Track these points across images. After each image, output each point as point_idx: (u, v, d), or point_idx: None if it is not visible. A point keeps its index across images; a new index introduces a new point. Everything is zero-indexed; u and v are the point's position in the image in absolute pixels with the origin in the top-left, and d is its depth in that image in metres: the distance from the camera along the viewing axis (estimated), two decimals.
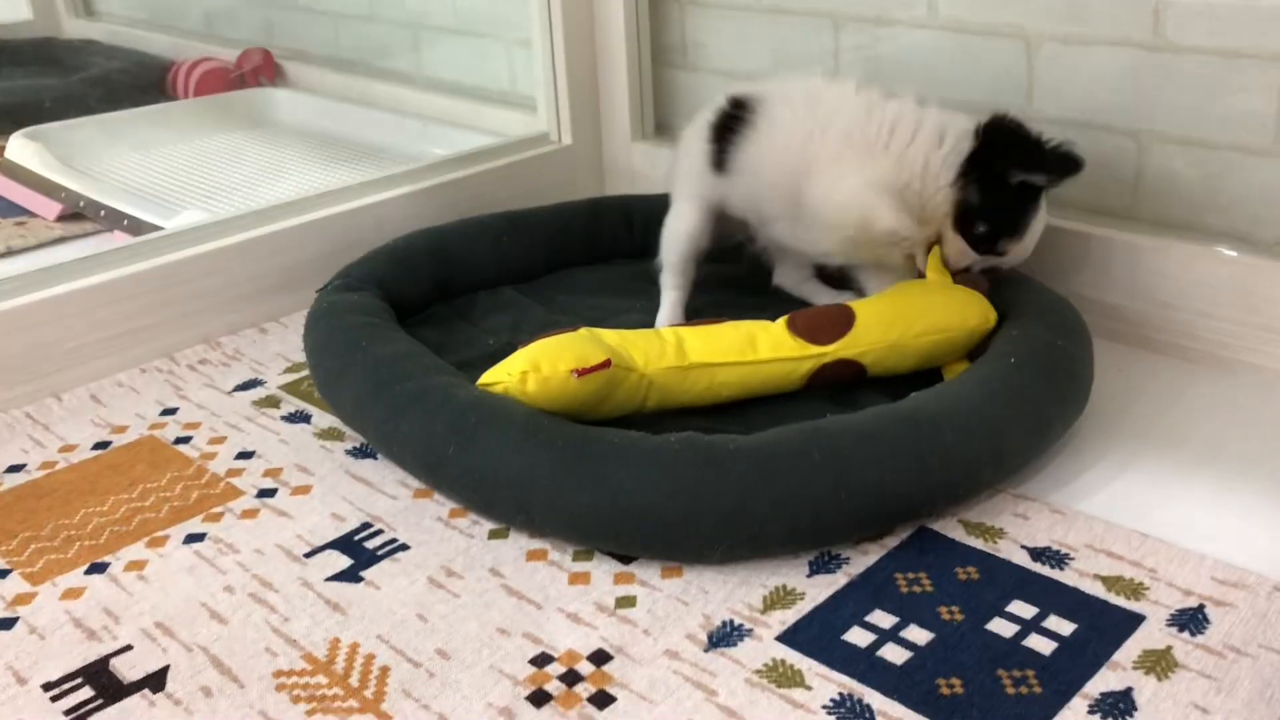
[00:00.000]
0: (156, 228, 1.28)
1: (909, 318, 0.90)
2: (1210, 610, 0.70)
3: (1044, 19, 1.05)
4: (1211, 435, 0.89)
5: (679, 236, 1.04)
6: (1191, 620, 0.69)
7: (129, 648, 0.71)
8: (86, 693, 0.68)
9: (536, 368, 0.81)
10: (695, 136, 1.05)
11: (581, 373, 0.81)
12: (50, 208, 1.47)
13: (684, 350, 0.88)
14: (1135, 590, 0.72)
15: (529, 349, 0.84)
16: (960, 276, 0.95)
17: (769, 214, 1.01)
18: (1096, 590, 0.72)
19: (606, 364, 0.82)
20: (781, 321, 0.91)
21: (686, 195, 1.05)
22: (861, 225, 0.92)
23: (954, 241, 0.94)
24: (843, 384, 0.92)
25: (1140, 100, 1.02)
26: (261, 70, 1.91)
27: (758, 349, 0.89)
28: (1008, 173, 0.92)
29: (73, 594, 0.77)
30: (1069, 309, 0.94)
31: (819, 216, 0.95)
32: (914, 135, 0.94)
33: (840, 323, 0.90)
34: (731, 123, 1.00)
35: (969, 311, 0.91)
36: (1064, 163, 0.91)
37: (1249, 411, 0.93)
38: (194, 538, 0.82)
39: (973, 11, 1.10)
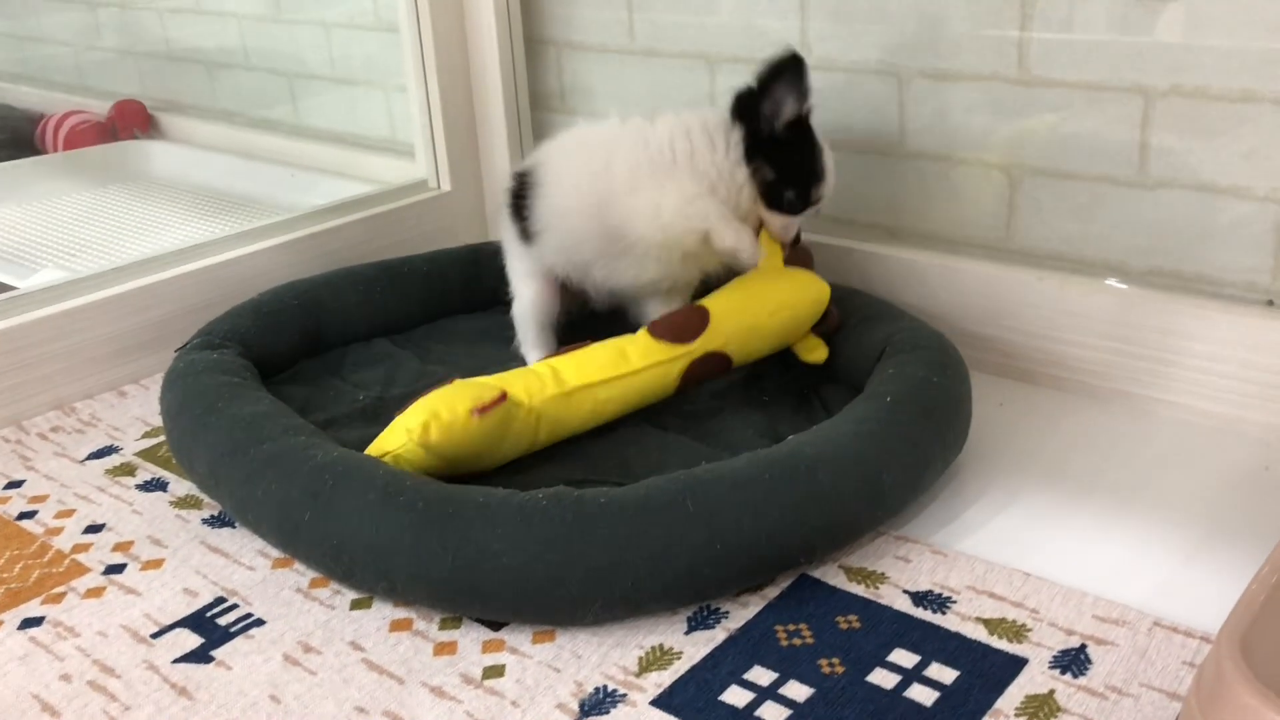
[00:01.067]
0: (10, 288, 1.22)
1: (759, 300, 0.95)
2: (1092, 649, 0.68)
3: (912, 56, 1.06)
4: (1089, 467, 0.89)
5: (526, 315, 1.05)
6: (1073, 661, 0.67)
7: None
8: None
9: (436, 415, 0.80)
10: (503, 222, 1.07)
11: (482, 410, 0.81)
12: None
13: (561, 377, 0.89)
14: (1017, 632, 0.70)
15: (421, 403, 0.82)
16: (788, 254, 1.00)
17: (586, 260, 1.01)
18: (979, 634, 0.70)
19: (503, 397, 0.83)
20: (643, 331, 0.93)
21: (519, 275, 1.06)
22: (698, 235, 0.94)
23: (774, 219, 0.97)
24: (712, 378, 0.96)
25: (1009, 134, 1.02)
26: (134, 122, 1.85)
27: (630, 360, 0.91)
28: (774, 122, 0.94)
29: None
30: (944, 344, 0.93)
31: (648, 242, 0.95)
32: (691, 145, 0.96)
33: (697, 319, 0.93)
34: (522, 194, 1.02)
35: (807, 286, 0.97)
36: (782, 64, 0.93)
37: (1125, 441, 0.93)
38: (30, 622, 0.76)
39: (843, 50, 1.10)
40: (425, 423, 0.80)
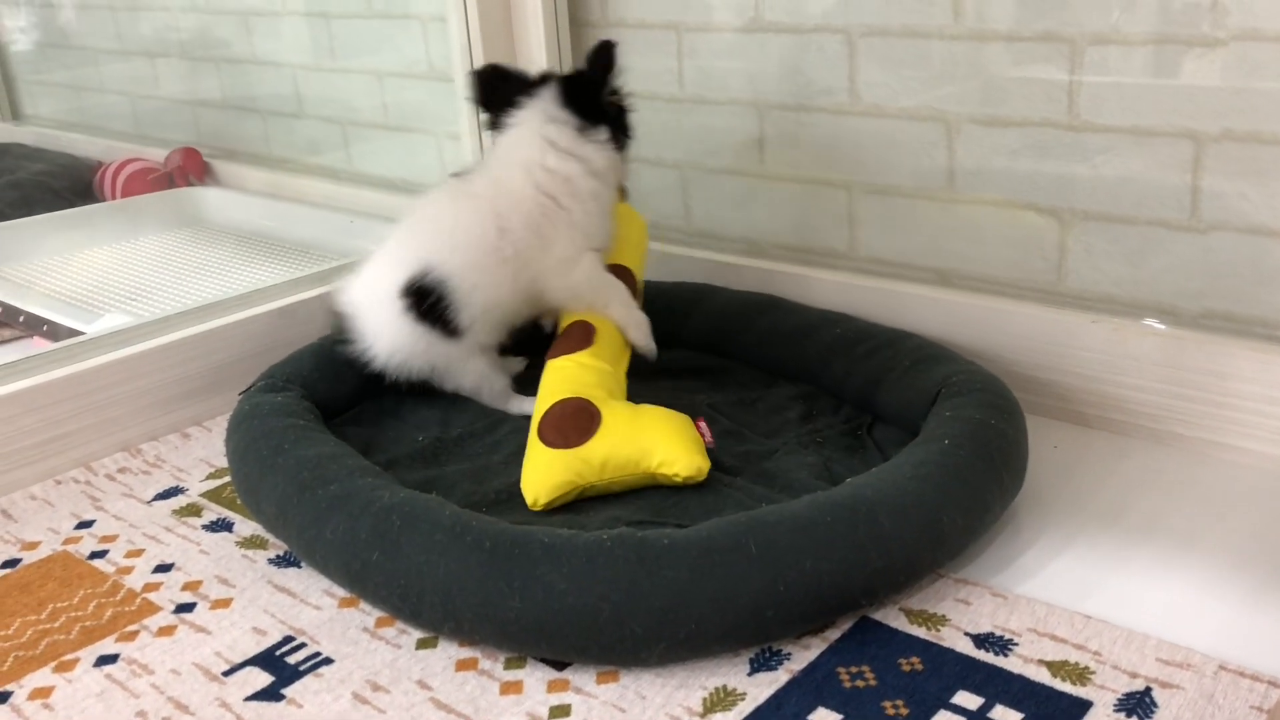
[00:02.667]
0: (77, 333, 1.25)
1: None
2: (1157, 693, 0.68)
3: (962, 102, 1.07)
4: (1147, 510, 0.89)
5: (487, 387, 1.07)
6: (1139, 705, 0.67)
7: None
8: None
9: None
10: (401, 332, 1.03)
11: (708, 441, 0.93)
12: None
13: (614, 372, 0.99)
14: (1081, 675, 0.70)
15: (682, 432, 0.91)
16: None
17: (509, 320, 1.06)
18: (1042, 676, 0.70)
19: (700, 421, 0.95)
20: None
21: (453, 367, 1.05)
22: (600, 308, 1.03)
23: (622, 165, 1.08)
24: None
25: (1058, 178, 1.03)
26: (190, 169, 1.89)
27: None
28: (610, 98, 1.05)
29: None
30: (1000, 387, 0.93)
31: (562, 297, 1.04)
32: (565, 172, 1.02)
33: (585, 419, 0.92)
34: (429, 299, 1.00)
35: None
36: (605, 52, 1.03)
37: (1182, 484, 0.93)
38: (106, 659, 0.78)
39: (892, 96, 1.12)
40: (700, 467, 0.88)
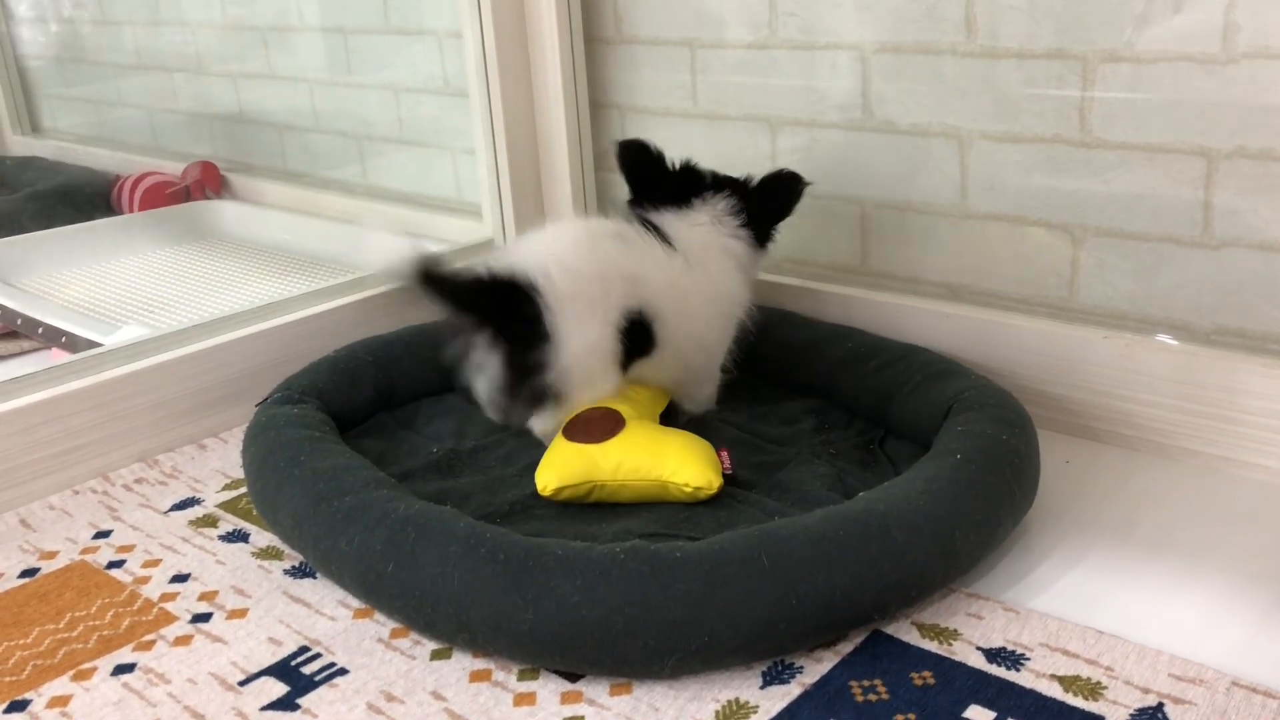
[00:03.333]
0: (95, 344, 1.26)
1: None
2: (1170, 709, 0.68)
3: (974, 118, 1.08)
4: (1159, 525, 0.89)
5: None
6: None
7: None
8: None
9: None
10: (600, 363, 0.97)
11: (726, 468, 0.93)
12: None
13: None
14: (1093, 690, 0.70)
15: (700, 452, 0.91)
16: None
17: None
18: (1054, 691, 0.70)
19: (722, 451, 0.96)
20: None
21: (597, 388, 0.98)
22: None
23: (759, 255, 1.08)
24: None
25: (1071, 194, 1.04)
26: (207, 183, 1.91)
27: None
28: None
29: None
30: (1012, 402, 0.94)
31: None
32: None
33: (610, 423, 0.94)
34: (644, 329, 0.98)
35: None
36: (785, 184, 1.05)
37: (1194, 500, 0.93)
38: (123, 668, 0.79)
39: (904, 113, 1.12)
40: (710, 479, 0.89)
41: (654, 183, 1.05)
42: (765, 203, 1.05)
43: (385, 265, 0.92)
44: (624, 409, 0.96)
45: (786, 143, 1.23)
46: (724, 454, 0.95)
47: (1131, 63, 0.97)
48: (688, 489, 0.89)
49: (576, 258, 0.95)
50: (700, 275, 1.00)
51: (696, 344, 1.02)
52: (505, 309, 0.92)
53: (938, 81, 1.09)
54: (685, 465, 0.90)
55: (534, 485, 0.93)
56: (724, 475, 0.92)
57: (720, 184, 1.05)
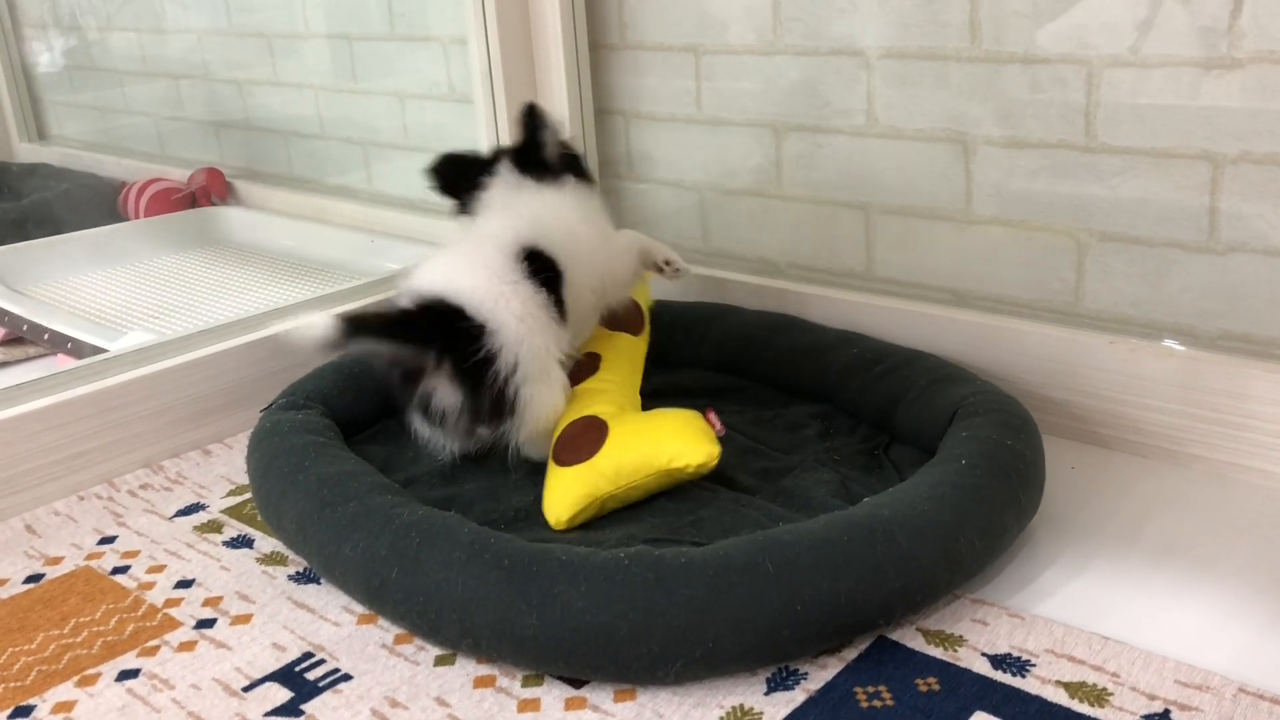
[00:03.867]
0: (101, 350, 1.26)
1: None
2: (1176, 715, 0.68)
3: (979, 123, 1.08)
4: (1165, 531, 0.89)
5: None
6: None
7: None
8: None
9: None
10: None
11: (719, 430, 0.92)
12: None
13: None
14: (1099, 696, 0.70)
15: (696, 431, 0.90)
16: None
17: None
18: (1059, 698, 0.70)
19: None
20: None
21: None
22: None
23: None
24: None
25: (1076, 199, 1.04)
26: (212, 189, 1.91)
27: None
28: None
29: None
30: (1017, 407, 0.94)
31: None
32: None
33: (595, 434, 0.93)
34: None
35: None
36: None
37: (1200, 505, 0.92)
38: (127, 674, 0.79)
39: (909, 118, 1.12)
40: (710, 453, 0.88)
41: (474, 183, 1.06)
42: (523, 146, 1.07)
43: (312, 339, 0.86)
44: (601, 408, 0.94)
45: (791, 148, 1.23)
46: (711, 415, 0.93)
47: (1136, 67, 0.97)
48: (690, 469, 0.89)
49: (492, 267, 0.93)
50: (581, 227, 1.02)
51: (599, 285, 1.03)
52: (445, 331, 0.89)
53: (942, 86, 1.09)
54: (681, 448, 0.89)
55: (537, 491, 0.93)
56: (720, 438, 0.91)
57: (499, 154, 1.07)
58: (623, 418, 0.94)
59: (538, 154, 1.06)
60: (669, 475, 0.90)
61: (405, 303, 0.91)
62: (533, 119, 1.06)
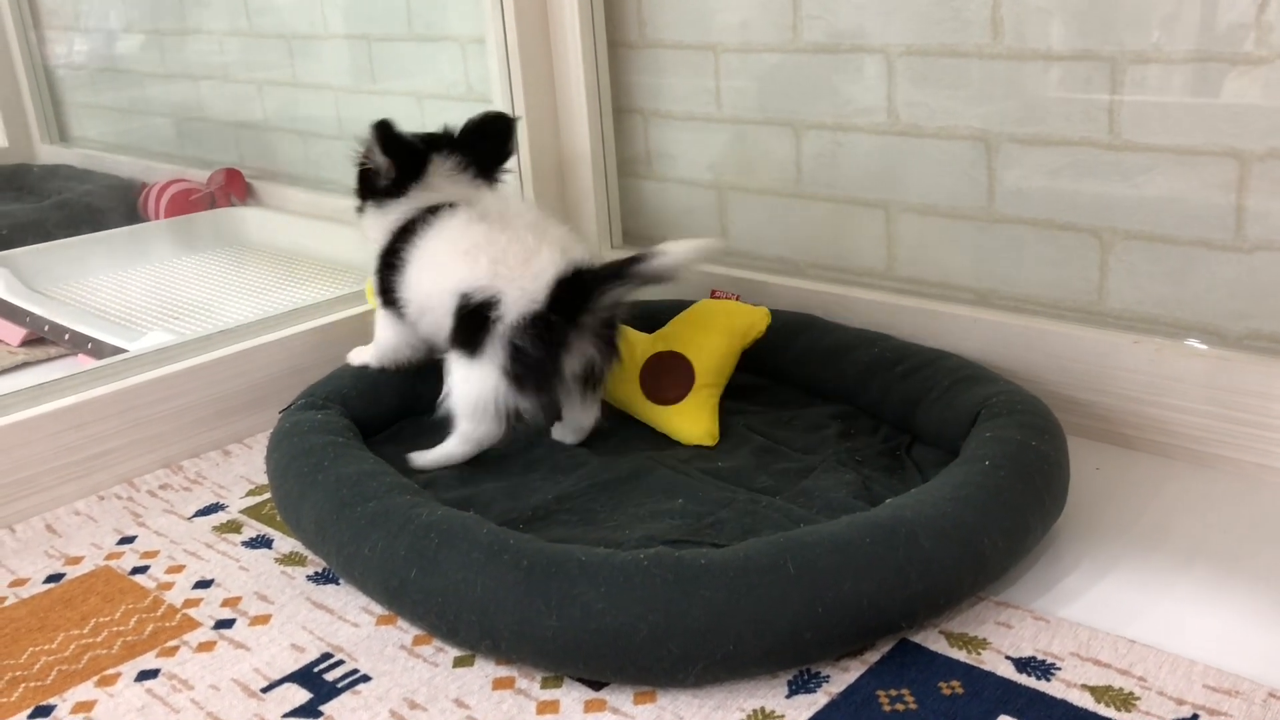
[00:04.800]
0: (121, 350, 1.27)
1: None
2: None
3: (1001, 121, 1.07)
4: (1192, 533, 0.88)
5: None
6: None
7: None
8: None
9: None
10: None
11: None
12: (14, 333, 1.46)
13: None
14: (1126, 701, 0.69)
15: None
16: None
17: None
18: (1085, 702, 0.69)
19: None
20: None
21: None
22: None
23: None
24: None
25: (1099, 197, 1.03)
26: (232, 190, 1.92)
27: None
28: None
29: None
30: (1041, 408, 0.92)
31: None
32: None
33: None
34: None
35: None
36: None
37: (1227, 507, 0.91)
38: (147, 674, 0.79)
39: (930, 116, 1.11)
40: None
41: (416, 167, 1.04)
42: (482, 149, 1.06)
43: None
44: (651, 345, 1.07)
45: (811, 147, 1.22)
46: (719, 293, 0.97)
47: (1161, 64, 0.96)
48: (760, 329, 1.07)
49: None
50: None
51: None
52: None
53: (964, 84, 1.08)
54: (744, 317, 1.07)
55: (556, 491, 0.93)
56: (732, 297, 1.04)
57: (435, 144, 1.06)
58: (673, 336, 1.07)
59: (498, 161, 1.07)
60: (746, 343, 1.06)
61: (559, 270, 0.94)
62: (506, 127, 1.07)
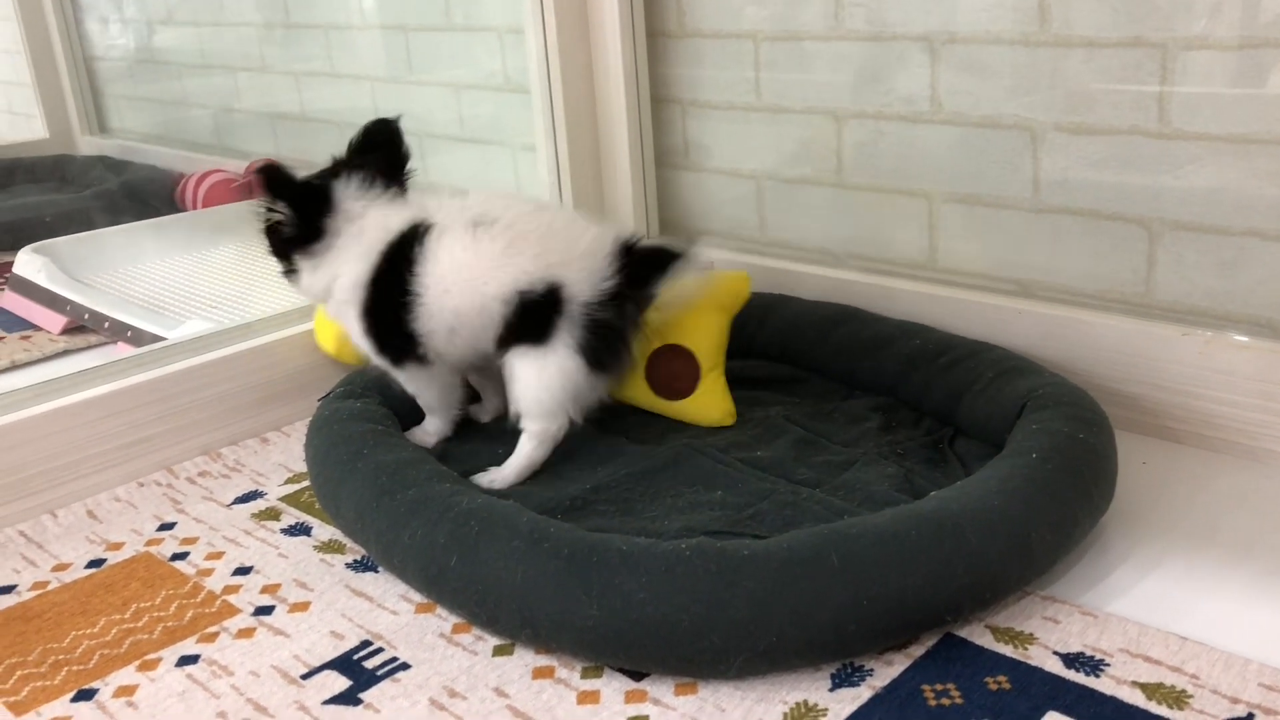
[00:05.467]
0: (160, 338, 1.27)
1: None
2: None
3: (1047, 110, 1.05)
4: (1242, 529, 0.86)
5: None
6: None
7: None
8: None
9: None
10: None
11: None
12: (55, 321, 1.47)
13: None
14: (1178, 699, 0.68)
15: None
16: None
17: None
18: (1136, 699, 0.68)
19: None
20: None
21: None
22: None
23: None
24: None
25: (1148, 188, 1.01)
26: None
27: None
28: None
29: None
30: (1088, 400, 0.91)
31: None
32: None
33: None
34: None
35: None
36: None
37: (1277, 502, 0.89)
38: (187, 659, 0.79)
39: (975, 104, 1.10)
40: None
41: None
42: (378, 160, 1.02)
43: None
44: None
45: (852, 136, 1.20)
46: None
47: (1212, 50, 0.94)
48: (746, 293, 1.07)
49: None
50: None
51: None
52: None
53: (1009, 72, 1.07)
54: (719, 286, 1.06)
55: (595, 480, 0.92)
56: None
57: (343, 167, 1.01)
58: (667, 325, 1.03)
59: (398, 166, 1.03)
60: (735, 311, 1.07)
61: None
62: (391, 132, 1.03)
